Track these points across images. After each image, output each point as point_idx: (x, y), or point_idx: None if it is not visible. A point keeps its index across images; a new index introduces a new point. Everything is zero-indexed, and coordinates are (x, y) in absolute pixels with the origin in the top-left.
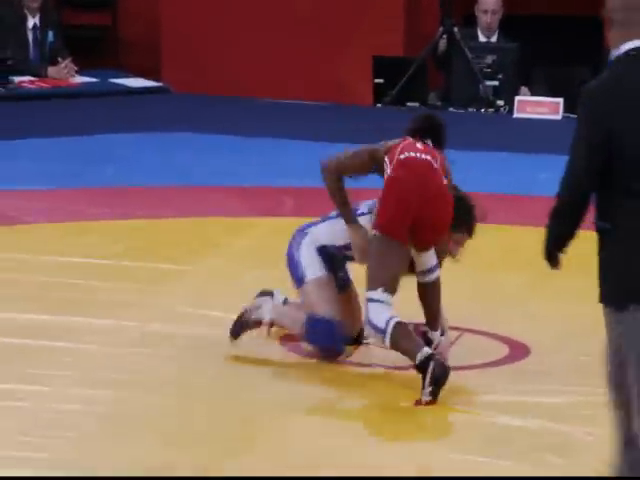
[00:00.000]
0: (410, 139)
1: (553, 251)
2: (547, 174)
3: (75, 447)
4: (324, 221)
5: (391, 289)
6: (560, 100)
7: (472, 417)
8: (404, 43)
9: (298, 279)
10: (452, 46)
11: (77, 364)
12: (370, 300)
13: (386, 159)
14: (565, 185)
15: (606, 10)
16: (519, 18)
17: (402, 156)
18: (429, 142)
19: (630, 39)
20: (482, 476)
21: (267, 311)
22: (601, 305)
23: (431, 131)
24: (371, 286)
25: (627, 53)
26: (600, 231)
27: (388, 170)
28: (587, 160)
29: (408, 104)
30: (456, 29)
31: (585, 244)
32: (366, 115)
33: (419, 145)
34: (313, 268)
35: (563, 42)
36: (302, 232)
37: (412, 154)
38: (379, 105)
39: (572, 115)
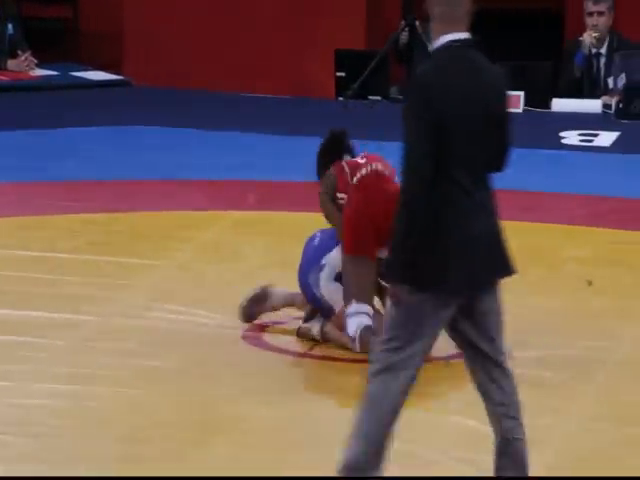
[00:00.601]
0: (340, 164)
1: (403, 257)
2: (508, 168)
3: (39, 442)
4: (337, 245)
5: (364, 298)
6: (521, 93)
7: (434, 407)
8: (366, 37)
9: (325, 312)
10: (414, 40)
11: (39, 359)
12: (347, 316)
13: (343, 196)
14: (409, 175)
15: (428, 3)
16: (478, 12)
17: (354, 180)
18: (349, 157)
19: (451, 32)
20: (481, 476)
21: (317, 333)
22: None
23: (343, 146)
24: (346, 303)
25: (449, 44)
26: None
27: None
28: (426, 144)
29: (370, 97)
30: (418, 23)
31: (542, 237)
32: (328, 108)
33: (359, 160)
34: (339, 301)
35: (524, 36)
36: (318, 263)
37: (362, 173)
38: (341, 98)
39: (533, 108)
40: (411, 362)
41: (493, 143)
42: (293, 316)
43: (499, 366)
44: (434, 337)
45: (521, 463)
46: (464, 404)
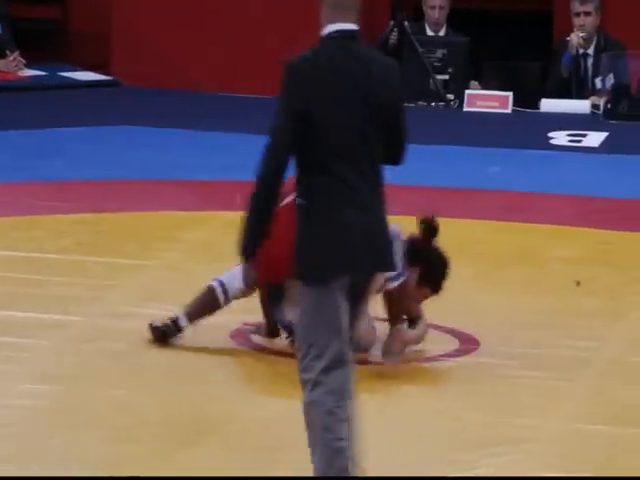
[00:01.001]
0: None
1: (252, 235)
2: (496, 167)
3: (23, 443)
4: None
5: None
6: (510, 94)
7: (425, 408)
8: None
9: None
10: (403, 40)
11: (25, 359)
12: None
13: None
14: (265, 161)
15: None
16: (466, 12)
17: None
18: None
19: (338, 21)
20: (480, 476)
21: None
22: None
23: None
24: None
25: (334, 34)
26: (298, 208)
27: None
28: (286, 129)
29: None
30: (407, 23)
31: (531, 237)
32: None
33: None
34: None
35: (512, 37)
36: None
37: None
38: None
39: (521, 109)
40: (338, 361)
41: (381, 136)
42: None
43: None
44: (344, 329)
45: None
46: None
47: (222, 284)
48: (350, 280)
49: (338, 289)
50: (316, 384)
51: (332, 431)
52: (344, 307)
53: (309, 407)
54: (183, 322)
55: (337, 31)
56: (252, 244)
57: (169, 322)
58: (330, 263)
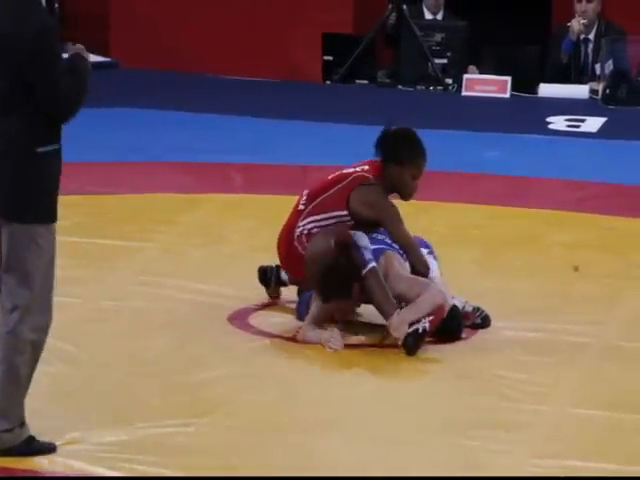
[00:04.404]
0: None
1: None
2: (495, 152)
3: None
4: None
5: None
6: (508, 78)
7: (422, 391)
8: (353, 20)
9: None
10: (401, 24)
11: None
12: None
13: None
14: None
15: None
16: None
17: None
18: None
19: None
20: (481, 476)
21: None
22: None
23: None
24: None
25: None
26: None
27: None
28: None
29: (357, 81)
30: (405, 6)
31: (529, 222)
32: (316, 92)
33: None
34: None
35: (511, 21)
36: None
37: None
38: (328, 82)
39: (520, 93)
40: None
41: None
42: (279, 299)
43: None
44: None
45: None
46: None
47: None
48: None
49: None
50: None
51: None
52: None
53: None
54: (284, 273)
55: None
56: None
57: (273, 266)
58: None
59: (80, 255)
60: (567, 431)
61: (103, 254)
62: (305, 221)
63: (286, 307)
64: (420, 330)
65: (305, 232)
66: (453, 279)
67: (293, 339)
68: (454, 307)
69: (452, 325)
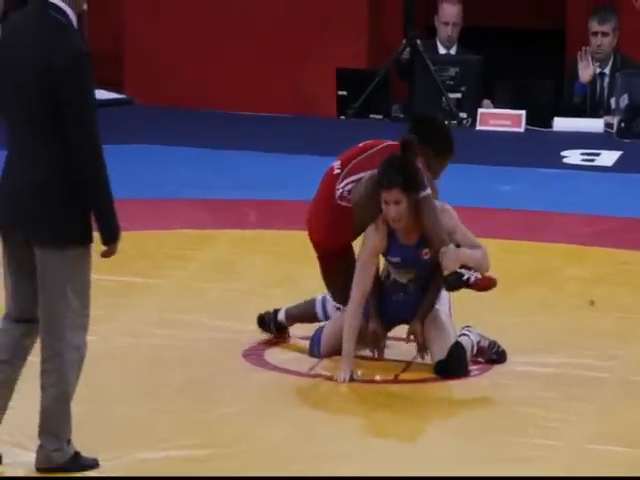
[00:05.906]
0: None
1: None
2: (510, 186)
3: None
4: None
5: None
6: (522, 112)
7: (437, 426)
8: (367, 55)
9: None
10: (415, 58)
11: None
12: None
13: None
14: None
15: None
16: (479, 30)
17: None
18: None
19: None
20: (482, 476)
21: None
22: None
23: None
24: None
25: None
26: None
27: None
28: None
29: (371, 116)
30: (419, 41)
31: (544, 256)
32: (330, 127)
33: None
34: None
35: (525, 55)
36: None
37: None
38: (343, 117)
39: (535, 127)
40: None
41: (32, 105)
42: (294, 335)
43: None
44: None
45: None
46: None
47: (324, 299)
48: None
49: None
50: None
51: None
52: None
53: None
54: (281, 315)
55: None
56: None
57: (271, 311)
58: None
59: (95, 292)
60: (584, 467)
61: (118, 291)
62: (344, 182)
63: (300, 343)
64: (465, 277)
65: (347, 190)
66: (468, 314)
67: (308, 375)
68: (457, 343)
69: (454, 364)
